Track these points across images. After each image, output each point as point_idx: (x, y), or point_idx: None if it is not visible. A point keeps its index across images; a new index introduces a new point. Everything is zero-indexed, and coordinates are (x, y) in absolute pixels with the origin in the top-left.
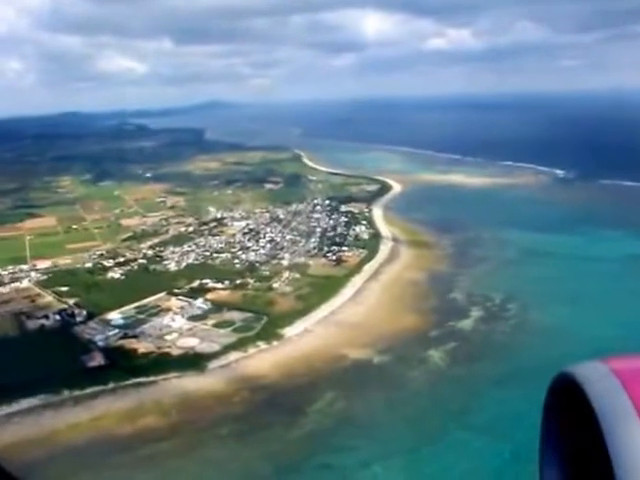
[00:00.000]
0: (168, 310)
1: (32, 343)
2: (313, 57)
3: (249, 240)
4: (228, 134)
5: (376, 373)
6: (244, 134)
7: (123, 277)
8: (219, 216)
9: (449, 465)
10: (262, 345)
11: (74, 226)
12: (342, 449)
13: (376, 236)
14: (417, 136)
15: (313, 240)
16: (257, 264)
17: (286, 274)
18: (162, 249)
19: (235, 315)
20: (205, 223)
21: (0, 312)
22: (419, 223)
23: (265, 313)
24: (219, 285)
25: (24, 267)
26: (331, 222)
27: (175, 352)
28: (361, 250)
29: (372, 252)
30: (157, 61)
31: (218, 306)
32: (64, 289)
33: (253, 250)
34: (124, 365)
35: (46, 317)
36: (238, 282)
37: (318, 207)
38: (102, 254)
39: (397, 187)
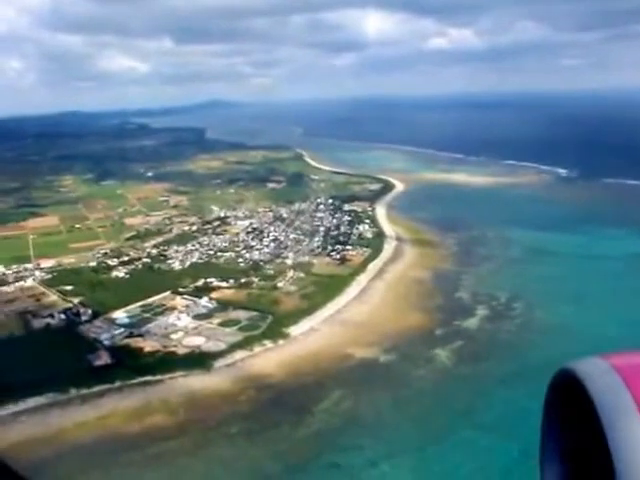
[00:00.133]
0: (173, 309)
1: (38, 342)
2: (314, 56)
3: (253, 239)
4: (229, 133)
5: (382, 372)
6: (245, 133)
7: (127, 276)
8: (222, 215)
9: (457, 464)
10: (268, 344)
11: (77, 225)
12: (349, 448)
13: (380, 235)
14: (419, 135)
15: (317, 239)
16: (261, 263)
17: (290, 273)
18: (166, 248)
19: (240, 314)
20: (208, 222)
21: (5, 311)
22: (423, 222)
23: (270, 312)
24: (224, 284)
25: (28, 266)
26: (334, 221)
27: (181, 351)
28: (365, 249)
29: (376, 251)
30: (158, 60)
31: (223, 305)
32: (69, 288)
33: (257, 249)
34: (130, 364)
35: (51, 316)
36: (243, 281)
37: (321, 206)
38: (106, 253)
39: (400, 186)
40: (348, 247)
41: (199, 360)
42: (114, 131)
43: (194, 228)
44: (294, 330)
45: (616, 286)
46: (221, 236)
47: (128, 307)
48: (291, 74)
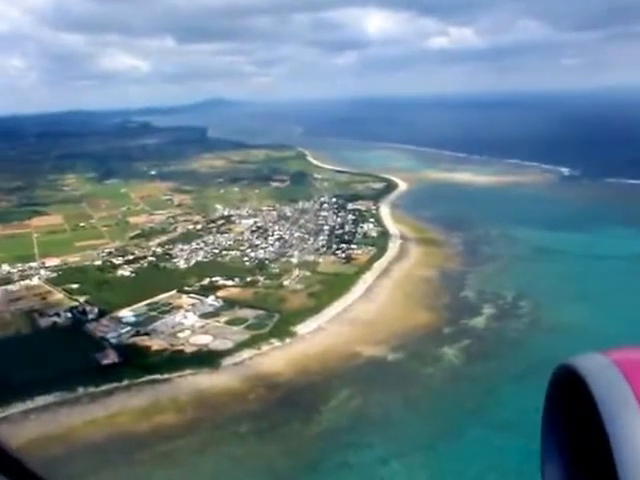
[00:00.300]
0: (179, 308)
1: (45, 340)
2: (315, 55)
3: (257, 238)
4: (231, 132)
5: (391, 370)
6: (247, 132)
7: (133, 275)
8: (226, 214)
9: (468, 462)
10: (275, 342)
11: (81, 224)
12: (360, 446)
13: (384, 234)
14: (420, 134)
15: (322, 238)
16: (266, 262)
17: (296, 272)
18: (171, 247)
19: (247, 312)
20: (213, 221)
21: (11, 309)
22: (427, 221)
23: (277, 310)
24: (229, 282)
25: (33, 265)
26: (339, 220)
27: (188, 349)
28: (370, 248)
29: (381, 250)
30: (160, 59)
31: (229, 303)
32: (74, 287)
33: (262, 248)
34: (138, 362)
35: (57, 315)
36: (248, 280)
37: (325, 205)
38: (111, 252)
39: (403, 185)
40: (353, 246)
41: (207, 358)
42: (116, 130)
43: (198, 227)
44: (301, 329)
45: (622, 285)
46: (225, 235)
47: (134, 306)
48: (292, 73)
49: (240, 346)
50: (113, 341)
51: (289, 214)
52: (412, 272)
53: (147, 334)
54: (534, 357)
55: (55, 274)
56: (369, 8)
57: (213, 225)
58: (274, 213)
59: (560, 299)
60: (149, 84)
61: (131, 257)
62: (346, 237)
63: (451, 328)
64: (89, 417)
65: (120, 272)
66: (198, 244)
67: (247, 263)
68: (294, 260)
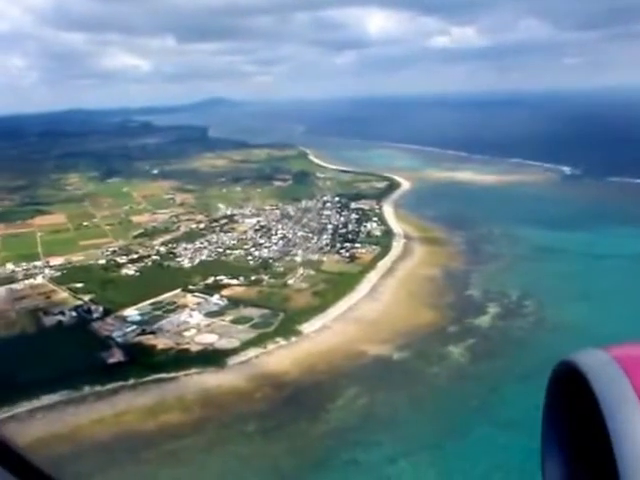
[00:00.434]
0: (184, 306)
1: (50, 339)
2: (316, 55)
3: (261, 237)
4: (232, 132)
5: (396, 369)
6: (248, 131)
7: (137, 274)
8: (229, 213)
9: (476, 460)
10: (281, 341)
11: (84, 223)
12: (367, 445)
13: (388, 233)
14: (422, 134)
15: (325, 237)
16: (270, 260)
17: (300, 270)
18: (174, 246)
19: (252, 311)
20: (216, 220)
21: (16, 308)
22: (430, 220)
23: (282, 309)
24: (234, 281)
25: (37, 263)
26: (342, 219)
27: (194, 348)
28: (374, 247)
29: (385, 249)
30: (160, 59)
31: (234, 302)
32: (79, 285)
33: (266, 247)
34: (143, 361)
35: (62, 313)
36: (253, 278)
37: (328, 204)
38: (115, 251)
39: (406, 184)
40: (357, 245)
41: (213, 357)
42: (117, 129)
43: (201, 226)
44: (306, 327)
45: (625, 284)
46: (229, 234)
47: (139, 305)
48: (293, 72)
49: (246, 345)
50: (119, 340)
51: (292, 213)
52: (416, 271)
53: (152, 333)
54: (539, 356)
55: (59, 273)
56: (370, 7)
57: (216, 224)
58: (277, 212)
59: (564, 298)
60: (149, 83)
61: (135, 256)
62: (350, 236)
63: (456, 327)
64: (95, 416)
65: (124, 271)
66: (202, 243)
67: (251, 262)
68: (298, 259)
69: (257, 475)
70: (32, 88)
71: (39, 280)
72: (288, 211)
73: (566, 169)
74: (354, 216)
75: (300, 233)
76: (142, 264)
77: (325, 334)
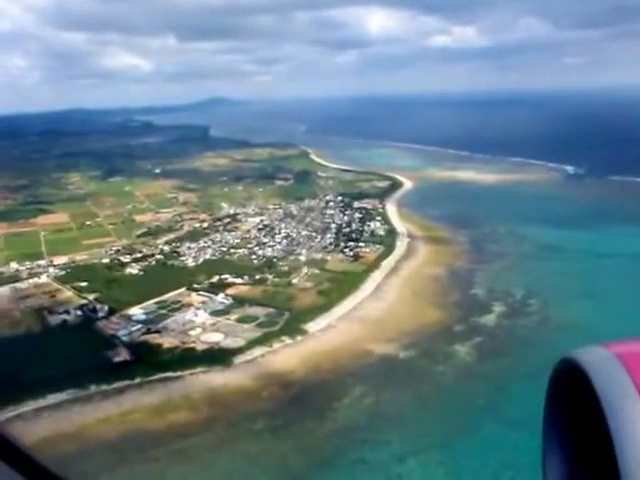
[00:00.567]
0: (189, 305)
1: (55, 338)
2: (317, 54)
3: (264, 236)
4: (233, 131)
5: (403, 368)
6: (249, 131)
7: (141, 273)
8: (232, 212)
9: (485, 459)
10: (287, 340)
11: (87, 222)
12: (375, 444)
13: (392, 232)
14: (423, 133)
15: (329, 236)
16: (274, 260)
17: (305, 270)
18: (178, 245)
19: (257, 310)
20: (219, 219)
21: (21, 307)
22: (433, 219)
23: (287, 308)
24: (239, 280)
25: (41, 262)
26: (345, 218)
27: (200, 347)
28: (378, 246)
29: (389, 248)
30: (161, 58)
31: (239, 301)
32: (83, 284)
33: (269, 246)
34: (149, 360)
35: (67, 312)
36: (257, 277)
37: (331, 203)
38: (118, 250)
39: (408, 183)
40: (361, 244)
41: (219, 356)
42: (118, 129)
43: (205, 225)
44: (312, 326)
45: (629, 283)
46: (232, 233)
47: (144, 304)
48: (294, 72)
49: (251, 344)
50: (124, 339)
51: (295, 212)
52: (421, 270)
53: (158, 332)
54: (545, 355)
55: (63, 272)
56: (371, 6)
57: (219, 223)
58: (280, 211)
59: (569, 297)
60: (150, 83)
61: (139, 255)
62: (353, 235)
63: (462, 326)
64: (102, 415)
65: (128, 270)
66: (206, 242)
67: (255, 261)
68: (302, 258)
69: (266, 473)
70: (33, 87)
71: (43, 279)
72: (291, 210)
73: (568, 168)
74: (357, 215)
75: (304, 232)
76: (146, 263)
77: (330, 333)
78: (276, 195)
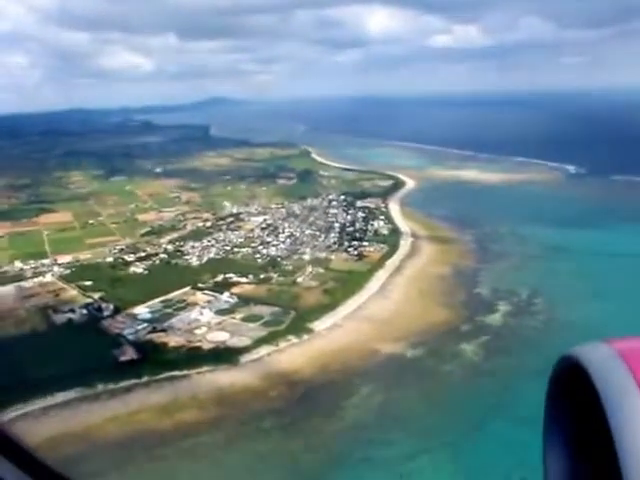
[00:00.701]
0: (194, 304)
1: (61, 337)
2: (318, 53)
3: (268, 235)
4: (233, 130)
5: (410, 367)
6: (249, 130)
7: (146, 272)
8: (235, 211)
9: (494, 458)
10: (293, 339)
11: (90, 221)
12: (384, 442)
13: (395, 231)
14: (425, 132)
15: (332, 235)
16: (278, 259)
17: (309, 269)
18: (182, 244)
19: (262, 309)
20: (222, 218)
21: (26, 306)
22: (437, 218)
23: (292, 307)
24: (243, 279)
25: (45, 261)
26: (349, 217)
27: (206, 346)
28: (382, 245)
29: (393, 247)
30: (162, 57)
31: (244, 300)
32: (88, 283)
33: (273, 245)
34: (156, 359)
35: (72, 311)
36: (262, 276)
37: (334, 202)
38: (122, 249)
39: (410, 183)
40: (365, 243)
41: (225, 355)
42: (118, 128)
43: (208, 224)
44: (318, 325)
45: (635, 282)
46: (236, 232)
47: (149, 303)
48: (294, 71)
49: (258, 343)
50: (130, 337)
51: (298, 211)
52: (425, 269)
53: (164, 331)
54: (552, 353)
55: (68, 271)
56: (372, 5)
57: (222, 222)
58: (283, 210)
59: (574, 296)
60: (150, 82)
61: (143, 254)
62: (357, 234)
63: (468, 325)
64: (110, 414)
65: (133, 269)
66: (209, 241)
67: (259, 260)
68: (306, 257)
69: (276, 471)
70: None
71: (48, 278)
72: (294, 209)
73: (571, 168)
74: (360, 214)
75: (307, 231)
76: (150, 262)
77: (337, 332)
78: (278, 194)
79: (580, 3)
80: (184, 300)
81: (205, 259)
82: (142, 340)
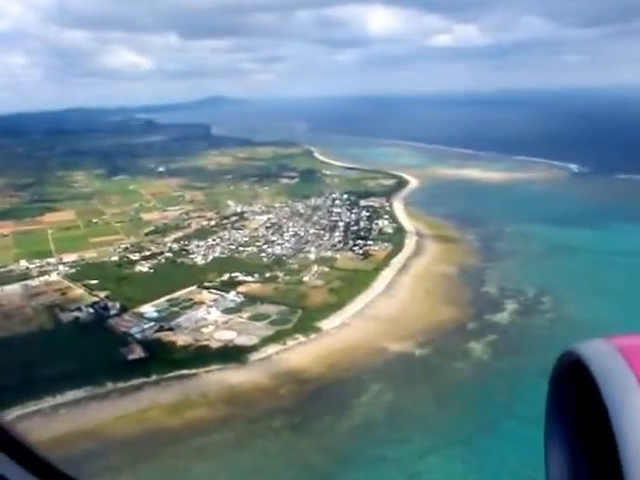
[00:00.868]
0: (201, 303)
1: (69, 335)
2: (319, 52)
3: (273, 234)
4: (235, 130)
5: (419, 366)
6: (250, 129)
7: (151, 271)
8: (239, 210)
9: (506, 456)
10: (301, 338)
11: (94, 220)
12: (395, 441)
13: (400, 230)
14: (426, 131)
15: (337, 234)
16: (284, 258)
17: (315, 268)
18: (187, 243)
19: (269, 308)
20: (226, 217)
21: (32, 305)
22: (441, 217)
23: (299, 306)
24: (249, 278)
25: (51, 260)
26: (353, 216)
27: (214, 345)
28: (387, 244)
29: (398, 246)
30: (163, 56)
31: (251, 299)
32: (94, 282)
33: (278, 244)
34: (164, 358)
35: (79, 309)
36: (268, 275)
37: (337, 201)
38: (127, 248)
39: (414, 182)
40: (369, 242)
41: (233, 354)
42: (120, 127)
43: (212, 223)
44: (325, 324)
45: None
46: (240, 231)
47: (155, 301)
48: (295, 70)
49: (265, 341)
50: (137, 336)
51: (302, 210)
52: (431, 268)
53: (171, 329)
54: (560, 352)
55: (73, 270)
56: (373, 5)
57: (227, 221)
58: (287, 209)
59: (581, 295)
60: (151, 81)
61: (148, 253)
62: (362, 233)
63: (476, 324)
64: (120, 412)
65: (138, 268)
66: (214, 240)
67: (265, 259)
68: (311, 256)
69: (288, 469)
70: (35, 86)
71: (53, 277)
72: (298, 208)
73: (573, 167)
74: (365, 213)
75: (312, 230)
76: (155, 261)
77: (344, 331)
78: (282, 193)
79: (580, 2)
80: (190, 299)
81: (210, 258)
82: (149, 339)
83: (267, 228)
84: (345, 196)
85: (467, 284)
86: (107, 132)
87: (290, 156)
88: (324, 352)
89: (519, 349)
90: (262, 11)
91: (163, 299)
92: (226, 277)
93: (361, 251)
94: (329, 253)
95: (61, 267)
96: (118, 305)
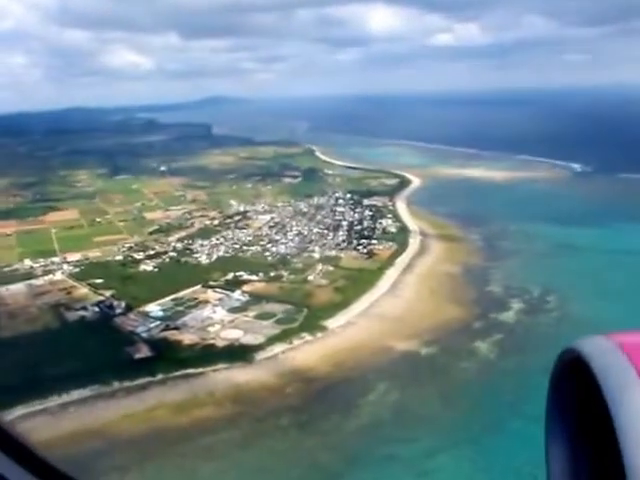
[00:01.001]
0: (206, 302)
1: (75, 334)
2: (319, 52)
3: (276, 233)
4: (236, 129)
5: (426, 364)
6: (251, 129)
7: (156, 270)
8: (242, 209)
9: (514, 455)
10: (307, 337)
11: (98, 219)
12: (403, 440)
13: (404, 229)
14: (427, 131)
15: (341, 233)
16: (288, 257)
17: (319, 267)
18: (191, 242)
19: (275, 307)
20: (229, 217)
21: (38, 304)
22: (444, 216)
23: (305, 305)
24: (254, 277)
25: (55, 259)
26: (356, 216)
27: (220, 344)
28: (390, 243)
29: (402, 245)
30: (163, 56)
31: (256, 298)
32: (98, 281)
33: (282, 243)
34: (170, 356)
35: (84, 309)
36: (272, 274)
37: (340, 201)
38: (131, 247)
39: (416, 181)
40: (373, 241)
41: (239, 353)
42: (121, 126)
43: (215, 222)
44: (331, 323)
45: None
46: (244, 230)
47: (160, 300)
48: (296, 69)
49: (271, 340)
50: (143, 335)
51: (305, 210)
52: (435, 267)
53: (177, 328)
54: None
55: (78, 269)
56: (374, 4)
57: (230, 221)
58: (290, 209)
59: (587, 294)
60: (151, 81)
61: (152, 252)
62: (366, 233)
63: (481, 323)
64: (126, 411)
65: (143, 267)
66: (218, 239)
67: (269, 258)
68: (316, 255)
69: (296, 468)
70: (35, 86)
71: (58, 276)
72: (301, 208)
73: (576, 166)
74: (368, 213)
75: (315, 230)
76: (160, 260)
77: (350, 330)
78: (284, 193)
79: (582, 1)
80: (195, 298)
81: (214, 257)
82: (155, 338)
83: (271, 227)
84: (348, 195)
85: (472, 283)
86: (108, 132)
87: (291, 155)
88: (330, 351)
89: (525, 348)
90: (262, 11)
91: (168, 298)
92: (231, 276)
93: (365, 250)
94: (333, 252)
95: (65, 266)
96: (123, 304)
